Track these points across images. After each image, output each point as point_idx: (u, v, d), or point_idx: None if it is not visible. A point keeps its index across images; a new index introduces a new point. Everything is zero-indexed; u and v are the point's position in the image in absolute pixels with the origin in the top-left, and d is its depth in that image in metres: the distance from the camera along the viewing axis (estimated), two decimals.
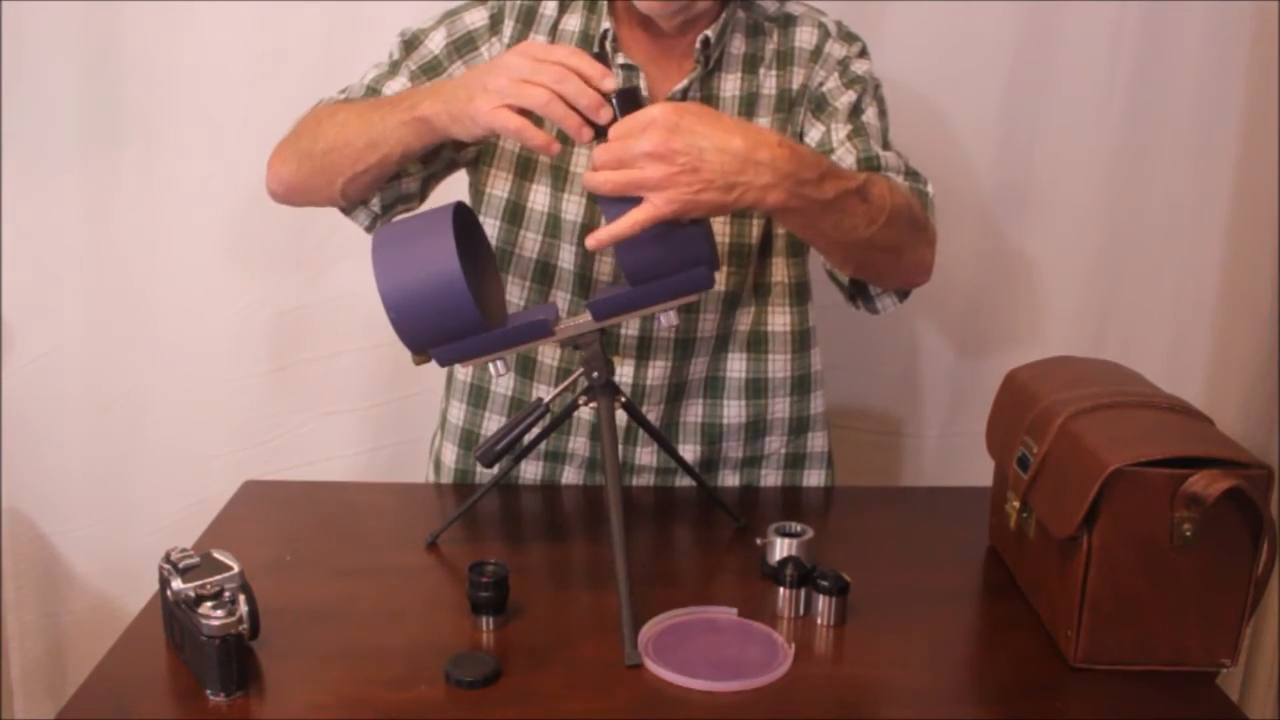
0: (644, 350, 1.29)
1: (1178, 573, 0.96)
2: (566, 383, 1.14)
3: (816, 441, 1.40)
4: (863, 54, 1.32)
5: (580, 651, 0.99)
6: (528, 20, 1.27)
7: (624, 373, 1.29)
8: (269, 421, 1.80)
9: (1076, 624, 0.97)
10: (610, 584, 1.00)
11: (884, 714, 0.93)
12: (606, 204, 0.99)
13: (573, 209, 1.26)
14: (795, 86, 1.29)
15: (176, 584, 0.94)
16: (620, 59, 1.24)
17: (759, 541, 1.11)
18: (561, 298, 1.29)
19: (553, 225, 1.27)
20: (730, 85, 1.27)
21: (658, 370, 1.29)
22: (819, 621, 1.04)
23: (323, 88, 1.68)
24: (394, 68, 1.29)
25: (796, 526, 1.11)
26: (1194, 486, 0.92)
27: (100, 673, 0.97)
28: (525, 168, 1.27)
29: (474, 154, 1.30)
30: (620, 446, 1.31)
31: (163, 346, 1.77)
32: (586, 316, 1.06)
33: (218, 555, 0.98)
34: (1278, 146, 1.69)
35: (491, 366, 1.08)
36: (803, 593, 1.05)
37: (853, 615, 1.05)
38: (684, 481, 1.33)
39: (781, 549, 1.09)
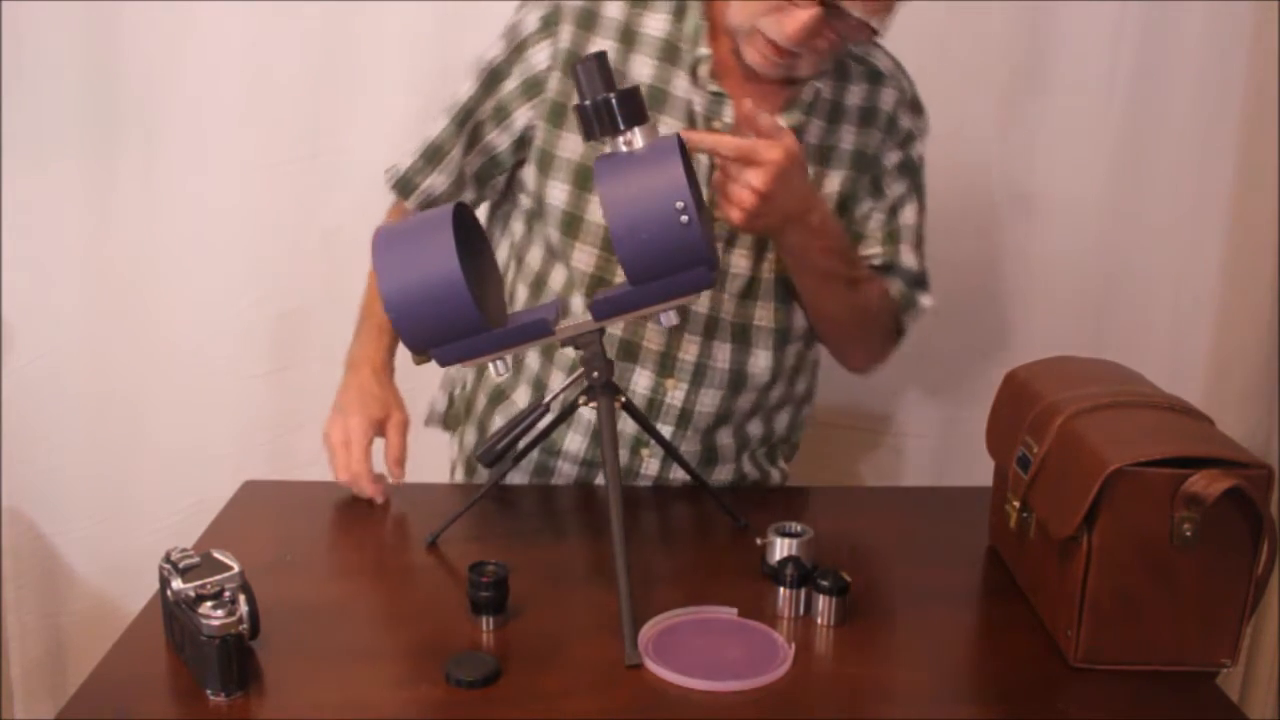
0: (699, 376, 1.29)
1: (1178, 573, 0.96)
2: (568, 382, 1.14)
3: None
4: (926, 129, 1.35)
5: (580, 651, 0.99)
6: (586, 23, 1.23)
7: (675, 395, 1.29)
8: (269, 421, 1.80)
9: (1076, 624, 0.97)
10: (610, 584, 1.00)
11: (884, 714, 0.93)
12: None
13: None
14: (871, 151, 1.30)
15: (176, 584, 0.94)
16: (712, 86, 1.23)
17: (759, 541, 1.11)
18: None
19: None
20: (814, 132, 1.26)
21: (708, 397, 1.30)
22: (819, 621, 1.04)
23: (322, 87, 1.69)
24: (451, 105, 1.29)
25: (796, 526, 1.11)
26: (1194, 486, 0.92)
27: (100, 673, 0.97)
28: (584, 178, 1.25)
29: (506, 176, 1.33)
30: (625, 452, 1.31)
31: (163, 346, 1.77)
32: (586, 316, 1.06)
33: (218, 555, 0.98)
34: (1278, 146, 1.69)
35: (491, 366, 1.08)
36: (803, 593, 1.05)
37: (853, 615, 1.05)
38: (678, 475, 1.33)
39: (781, 549, 1.09)
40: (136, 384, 1.77)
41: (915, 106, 1.34)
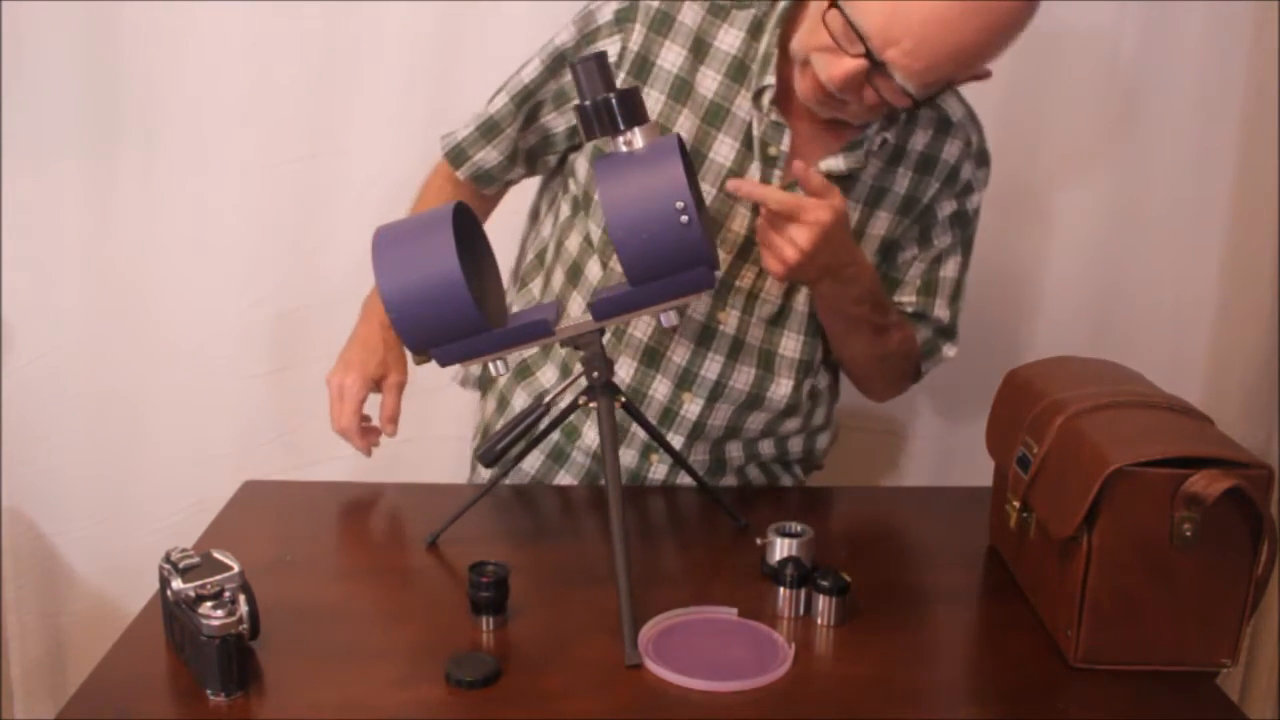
0: (716, 392, 1.29)
1: (1178, 573, 0.96)
2: (567, 382, 1.14)
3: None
4: (986, 181, 1.34)
5: (580, 651, 0.99)
6: (660, 27, 1.22)
7: (690, 409, 1.29)
8: (269, 421, 1.80)
9: (1076, 624, 0.97)
10: (610, 584, 1.00)
11: (884, 714, 0.93)
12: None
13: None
14: (924, 198, 1.28)
15: (176, 584, 0.94)
16: (773, 116, 1.21)
17: (759, 541, 1.11)
18: None
19: None
20: (870, 172, 1.25)
21: (722, 413, 1.31)
22: (819, 621, 1.04)
23: (322, 87, 1.69)
24: (513, 94, 1.30)
25: (796, 526, 1.11)
26: (1194, 486, 0.92)
27: (100, 673, 0.97)
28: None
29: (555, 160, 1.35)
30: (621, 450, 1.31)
31: (163, 346, 1.77)
32: (586, 316, 1.06)
33: (218, 555, 0.98)
34: (1278, 146, 1.69)
35: (491, 366, 1.08)
36: (803, 593, 1.05)
37: (853, 615, 1.05)
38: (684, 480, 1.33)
39: (781, 549, 1.09)
40: (136, 384, 1.77)
41: (981, 158, 1.32)
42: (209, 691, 0.92)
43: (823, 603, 1.04)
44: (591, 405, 1.09)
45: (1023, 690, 0.97)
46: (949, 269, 1.34)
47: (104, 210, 1.71)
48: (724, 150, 1.23)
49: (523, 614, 1.04)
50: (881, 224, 1.28)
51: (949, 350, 1.38)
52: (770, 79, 1.20)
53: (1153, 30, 1.66)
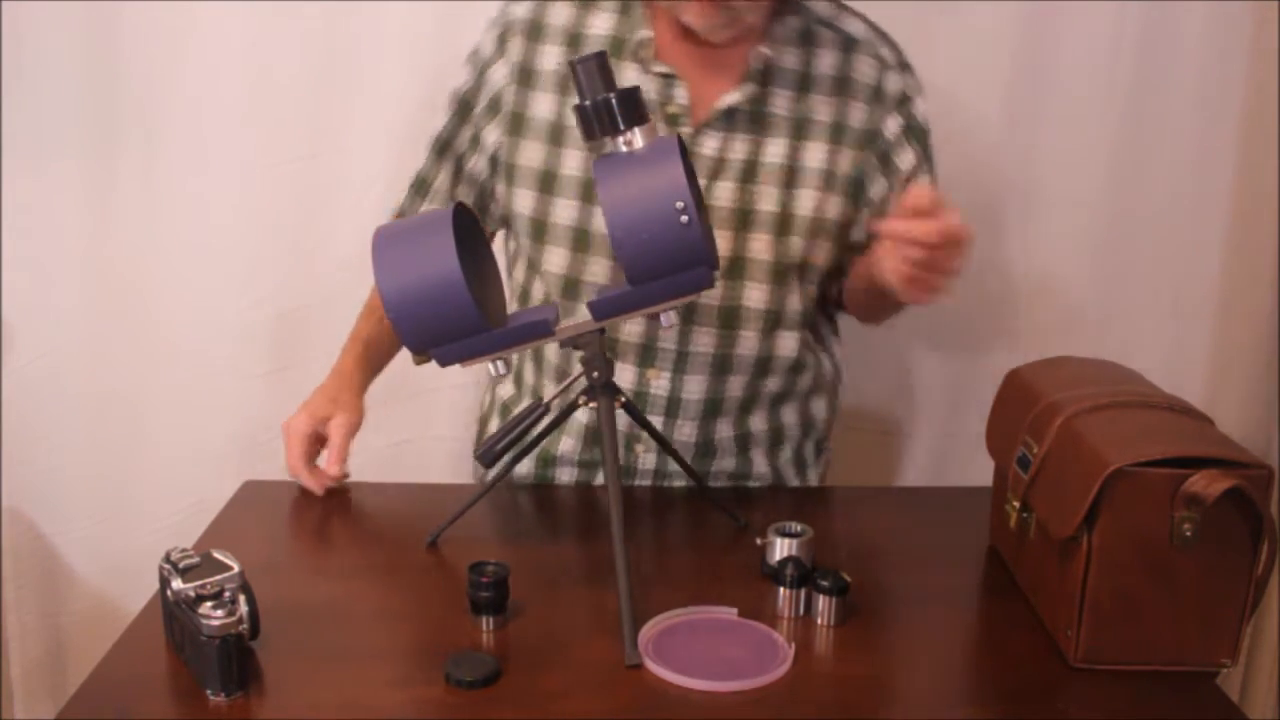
0: (680, 363, 1.29)
1: (1178, 573, 0.96)
2: (567, 382, 1.14)
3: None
4: (919, 87, 1.32)
5: (580, 651, 0.99)
6: (535, 34, 1.26)
7: (659, 385, 1.29)
8: (269, 421, 1.78)
9: (1076, 624, 0.97)
10: (610, 584, 1.00)
11: (884, 714, 0.93)
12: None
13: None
14: (855, 125, 1.27)
15: (176, 584, 0.94)
16: (660, 67, 1.23)
17: (759, 541, 1.11)
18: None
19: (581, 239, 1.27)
20: (782, 104, 1.25)
21: (694, 384, 1.30)
22: (819, 621, 1.04)
23: (322, 87, 1.69)
24: (434, 148, 1.34)
25: (796, 526, 1.11)
26: (1194, 486, 0.92)
27: (100, 673, 0.97)
28: (546, 183, 1.27)
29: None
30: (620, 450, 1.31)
31: (163, 346, 1.77)
32: (586, 316, 1.06)
33: (218, 555, 0.98)
34: (1278, 146, 1.69)
35: (491, 366, 1.08)
36: (803, 593, 1.05)
37: (853, 615, 1.05)
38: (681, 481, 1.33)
39: (781, 549, 1.09)
40: (136, 384, 1.77)
41: (903, 67, 1.31)
42: (209, 691, 0.92)
43: (823, 603, 1.04)
44: (591, 405, 1.09)
45: (1023, 690, 0.97)
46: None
47: (104, 210, 1.71)
48: None
49: (523, 614, 1.04)
50: (817, 155, 1.26)
51: None
52: (645, 32, 1.22)
53: (1153, 30, 1.66)
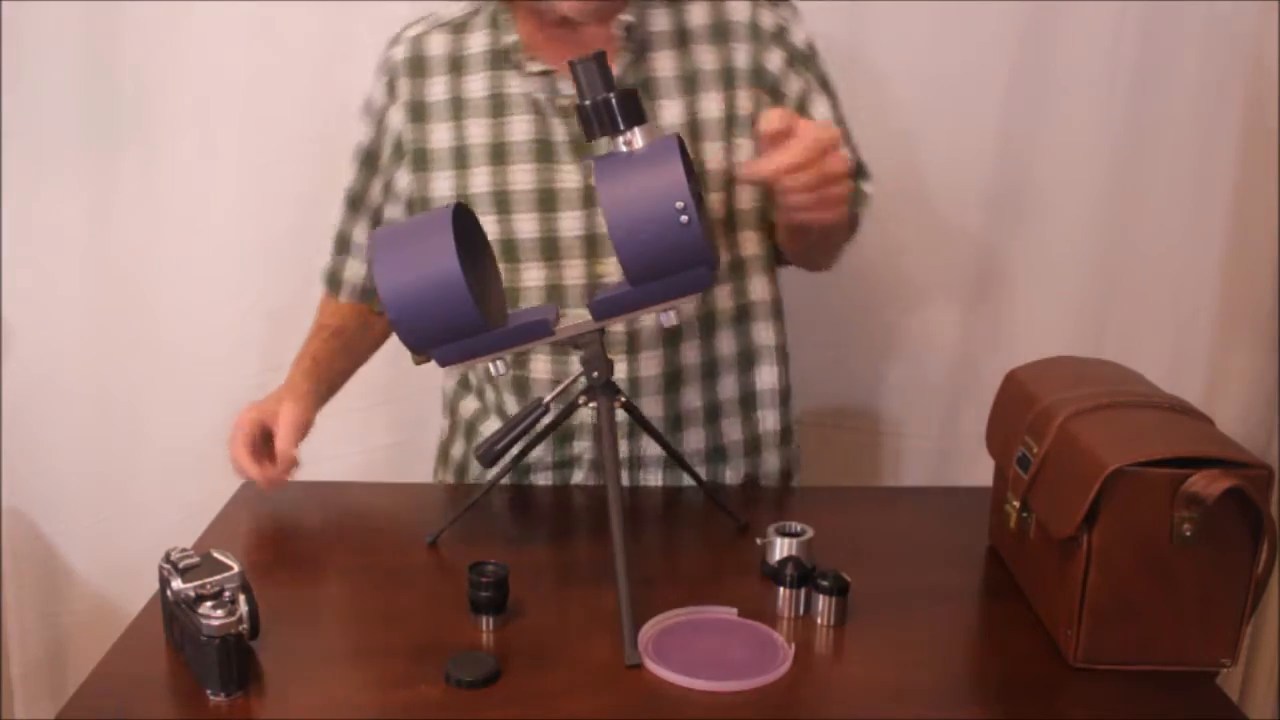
0: (633, 344, 1.28)
1: (1178, 573, 0.96)
2: (566, 382, 1.14)
3: (789, 416, 1.42)
4: (795, 15, 1.32)
5: (580, 651, 0.99)
6: (417, 69, 1.29)
7: (616, 368, 1.28)
8: None
9: (1076, 624, 0.97)
10: (610, 584, 1.00)
11: (884, 714, 0.93)
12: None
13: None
14: (741, 65, 1.28)
15: (176, 584, 0.94)
16: (535, 66, 1.24)
17: (759, 541, 1.11)
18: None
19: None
20: (666, 65, 1.26)
21: (650, 361, 1.29)
22: (819, 621, 1.04)
23: (321, 88, 1.69)
24: (346, 200, 1.37)
25: (796, 526, 1.11)
26: (1194, 486, 0.92)
27: (100, 673, 0.97)
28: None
29: None
30: (625, 441, 1.31)
31: (163, 347, 1.77)
32: (586, 316, 1.06)
33: (218, 555, 0.98)
34: (1278, 146, 1.69)
35: (491, 366, 1.08)
36: (803, 593, 1.05)
37: (853, 615, 1.05)
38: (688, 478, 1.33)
39: (781, 549, 1.09)
40: (137, 384, 1.77)
41: (774, 2, 1.31)
42: (209, 691, 0.92)
43: (823, 603, 1.04)
44: (591, 405, 1.09)
45: (1023, 690, 0.97)
46: (819, 109, 1.32)
47: (104, 210, 1.71)
48: (520, 129, 1.25)
49: (523, 614, 1.04)
50: (713, 105, 1.26)
51: (868, 187, 1.35)
52: (511, 36, 1.24)
53: (1153, 30, 1.66)
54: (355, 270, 1.39)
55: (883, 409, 1.85)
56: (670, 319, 1.05)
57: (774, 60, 1.29)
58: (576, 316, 1.11)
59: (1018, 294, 1.79)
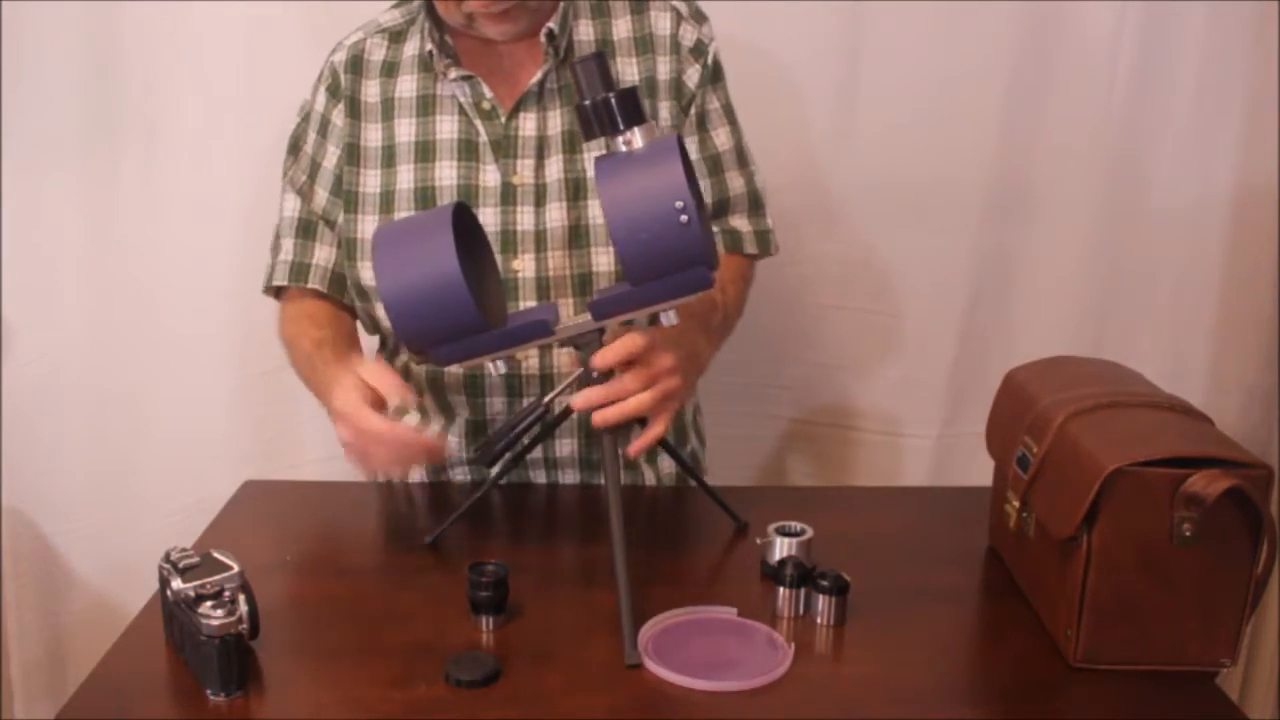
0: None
1: (1178, 573, 0.96)
2: (566, 383, 1.14)
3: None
4: (712, 32, 1.34)
5: (580, 651, 0.99)
6: (355, 68, 1.30)
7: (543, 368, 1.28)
8: (269, 421, 1.80)
9: (1076, 624, 0.97)
10: (610, 584, 1.00)
11: (884, 714, 0.93)
12: None
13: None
14: (662, 77, 1.30)
15: (176, 584, 0.94)
16: (454, 73, 1.25)
17: (759, 541, 1.11)
18: None
19: None
20: None
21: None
22: (819, 621, 1.04)
23: None
24: (287, 189, 1.35)
25: (796, 526, 1.11)
26: (1194, 486, 0.92)
27: (100, 673, 0.97)
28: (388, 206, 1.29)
29: None
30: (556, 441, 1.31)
31: (163, 346, 1.77)
32: (586, 316, 1.06)
33: (218, 555, 0.98)
34: (1278, 146, 1.69)
35: (490, 366, 1.08)
36: (803, 593, 1.05)
37: (853, 615, 1.05)
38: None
39: (781, 549, 1.09)
40: (137, 383, 1.77)
41: (697, 16, 1.34)
42: (209, 691, 0.92)
43: (822, 602, 1.04)
44: None
45: (1023, 690, 0.97)
46: (721, 139, 1.34)
47: (104, 210, 1.71)
48: (446, 128, 1.27)
49: (523, 614, 1.04)
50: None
51: (769, 220, 1.38)
52: (428, 44, 1.26)
53: (1153, 30, 1.66)
54: (323, 254, 1.33)
55: (883, 409, 1.85)
56: (671, 318, 1.05)
57: (692, 76, 1.32)
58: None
59: (1018, 294, 1.79)
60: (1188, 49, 1.67)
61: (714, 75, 1.34)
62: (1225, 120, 1.70)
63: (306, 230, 1.33)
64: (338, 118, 1.31)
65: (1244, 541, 0.95)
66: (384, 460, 1.11)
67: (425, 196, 1.27)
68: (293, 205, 1.34)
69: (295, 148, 1.35)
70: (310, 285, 1.32)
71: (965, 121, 1.71)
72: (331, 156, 1.31)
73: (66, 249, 1.72)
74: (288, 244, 1.33)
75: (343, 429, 1.10)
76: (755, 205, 1.37)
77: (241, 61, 1.67)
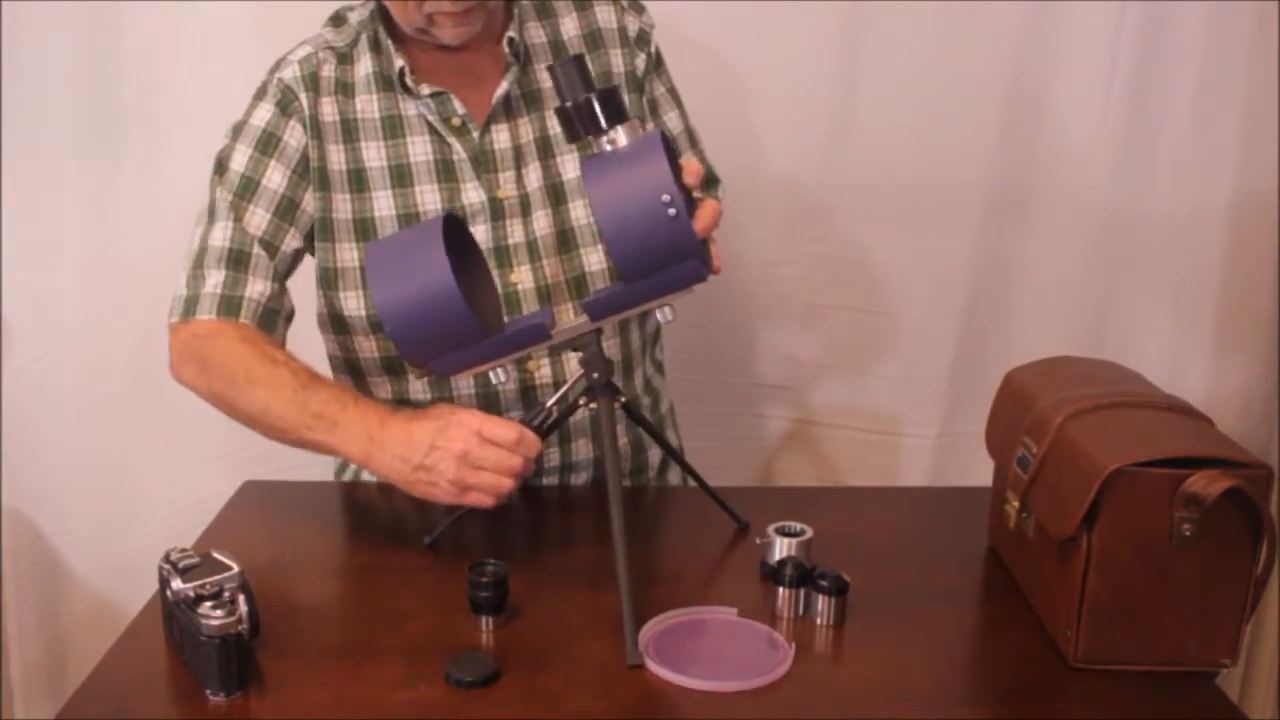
0: (554, 350, 1.28)
1: (1178, 573, 0.96)
2: (567, 385, 1.14)
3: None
4: (652, 23, 1.36)
5: (580, 651, 0.99)
6: (313, 86, 1.26)
7: (542, 374, 1.28)
8: None
9: (1076, 624, 0.97)
10: (610, 584, 1.01)
11: (884, 714, 0.93)
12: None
13: None
14: (617, 70, 1.32)
15: (176, 584, 0.94)
16: (425, 89, 1.24)
17: (759, 541, 1.11)
18: None
19: None
20: (547, 76, 1.23)
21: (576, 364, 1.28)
22: (819, 621, 1.04)
23: None
24: (214, 212, 1.26)
25: (796, 526, 1.11)
26: (1194, 486, 0.92)
27: (100, 673, 0.97)
28: (365, 230, 1.26)
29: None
30: (557, 448, 1.31)
31: (163, 346, 1.76)
32: (583, 318, 1.06)
33: (218, 555, 0.98)
34: (1278, 146, 1.69)
35: (493, 375, 1.08)
36: (802, 593, 1.05)
37: (853, 615, 1.05)
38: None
39: (781, 549, 1.09)
40: (136, 384, 1.77)
41: (636, 7, 1.36)
42: (209, 691, 0.92)
43: (822, 603, 1.04)
44: (591, 406, 1.09)
45: (1023, 690, 0.97)
46: (670, 119, 1.37)
47: (104, 210, 1.71)
48: (419, 149, 1.26)
49: (523, 614, 1.04)
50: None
51: (720, 192, 1.40)
52: (399, 61, 1.25)
53: (1153, 30, 1.66)
54: (257, 289, 1.24)
55: (883, 409, 1.85)
56: (667, 315, 1.05)
57: (640, 65, 1.33)
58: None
59: (1017, 294, 1.79)
60: (1188, 49, 1.67)
61: (658, 62, 1.36)
62: (1225, 121, 1.70)
63: (238, 262, 1.24)
64: (291, 136, 1.25)
65: (1244, 542, 0.95)
66: (493, 478, 1.07)
67: (409, 222, 1.25)
68: (222, 233, 1.24)
69: (221, 168, 1.27)
70: (241, 320, 1.24)
71: (965, 121, 1.70)
72: (275, 174, 1.24)
73: (66, 249, 1.72)
74: (216, 275, 1.24)
75: (464, 440, 1.05)
76: (711, 182, 1.40)
77: (241, 62, 1.66)
